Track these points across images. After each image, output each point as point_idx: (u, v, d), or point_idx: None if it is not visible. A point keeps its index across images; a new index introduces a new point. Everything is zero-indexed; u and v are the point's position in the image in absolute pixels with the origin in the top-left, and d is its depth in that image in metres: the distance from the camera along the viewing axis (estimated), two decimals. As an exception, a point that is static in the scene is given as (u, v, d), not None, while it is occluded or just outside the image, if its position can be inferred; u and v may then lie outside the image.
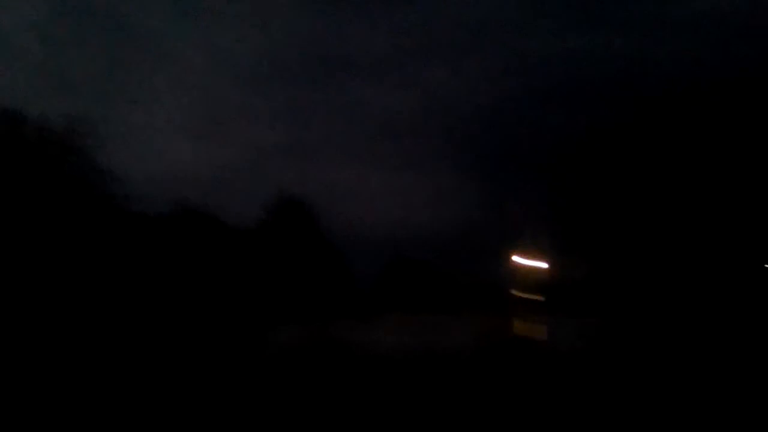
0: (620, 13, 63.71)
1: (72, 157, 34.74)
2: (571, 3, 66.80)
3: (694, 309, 28.42)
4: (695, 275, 30.16)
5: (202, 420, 17.00)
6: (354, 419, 16.86)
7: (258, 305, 33.08)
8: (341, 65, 73.37)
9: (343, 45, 76.62)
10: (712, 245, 30.69)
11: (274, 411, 18.50)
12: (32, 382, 21.07)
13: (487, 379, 22.51)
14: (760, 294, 28.78)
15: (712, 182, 31.57)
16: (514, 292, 31.03)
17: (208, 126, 70.09)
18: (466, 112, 64.68)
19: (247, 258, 37.32)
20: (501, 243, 33.67)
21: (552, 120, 55.88)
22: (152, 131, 65.02)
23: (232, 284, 34.65)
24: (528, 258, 30.75)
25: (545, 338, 27.12)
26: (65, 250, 31.43)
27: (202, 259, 35.59)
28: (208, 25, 76.67)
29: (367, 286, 42.30)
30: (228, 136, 70.13)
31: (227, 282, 34.67)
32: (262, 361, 27.15)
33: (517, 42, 68.34)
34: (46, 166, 34.06)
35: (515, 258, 31.51)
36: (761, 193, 30.67)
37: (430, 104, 68.02)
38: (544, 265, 30.58)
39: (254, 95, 72.98)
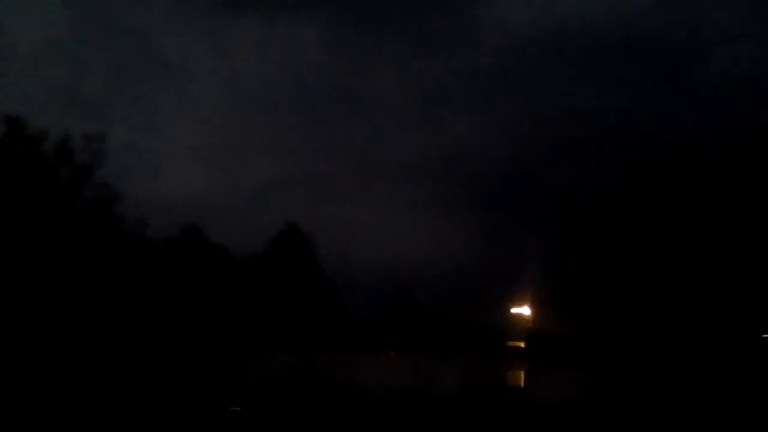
0: (635, 73, 64.23)
1: (87, 178, 35.13)
2: (589, 61, 67.48)
3: (682, 371, 28.36)
4: (686, 339, 30.11)
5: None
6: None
7: (250, 334, 33.18)
8: (359, 103, 73.98)
9: (362, 83, 77.39)
10: (706, 310, 30.64)
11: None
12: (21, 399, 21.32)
13: (468, 426, 22.59)
14: (752, 363, 28.73)
15: (709, 248, 31.62)
16: (509, 342, 31.11)
17: (221, 154, 70.53)
18: (478, 159, 65.03)
19: (245, 286, 37.50)
20: (500, 291, 33.86)
21: (560, 174, 56.33)
22: (165, 155, 65.63)
23: (227, 311, 34.78)
24: (524, 307, 30.87)
25: (522, 385, 27.09)
26: (71, 268, 31.70)
27: (201, 285, 35.78)
28: (228, 53, 77.49)
29: (362, 322, 42.36)
30: (240, 165, 70.57)
31: (223, 309, 34.82)
32: (245, 389, 27.29)
33: (534, 96, 68.92)
34: (61, 184, 34.50)
35: (514, 309, 31.65)
36: (758, 260, 30.70)
37: (443, 149, 68.39)
38: (528, 311, 30.68)
39: (269, 126, 73.48)
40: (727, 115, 48.63)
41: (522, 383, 27.62)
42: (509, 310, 31.88)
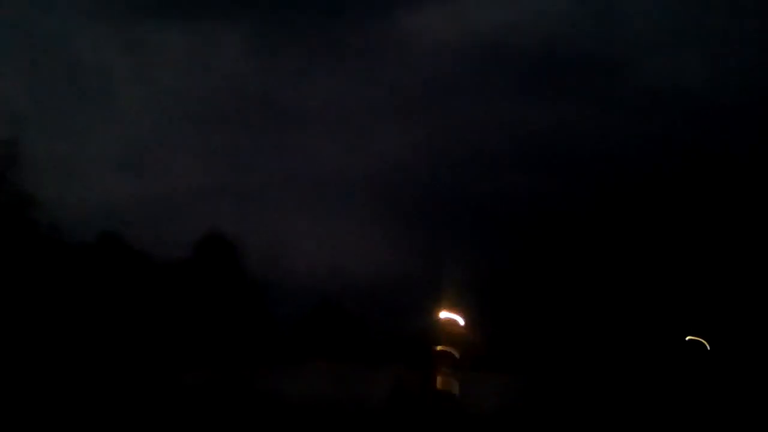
0: (566, 85, 65.28)
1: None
2: (540, 73, 68.34)
3: (610, 374, 28.66)
4: (613, 341, 30.50)
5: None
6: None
7: (173, 343, 32.26)
8: (291, 115, 73.22)
9: (289, 93, 76.69)
10: (632, 312, 31.12)
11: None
12: None
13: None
14: (674, 364, 29.24)
15: (632, 248, 32.16)
16: (437, 346, 30.93)
17: (142, 160, 68.96)
18: (412, 170, 65.03)
19: (166, 293, 36.51)
20: (428, 298, 33.69)
21: (490, 184, 56.77)
22: (84, 161, 63.68)
23: (148, 320, 33.76)
24: (451, 312, 30.73)
25: (457, 393, 26.96)
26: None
27: (121, 292, 34.70)
28: (151, 60, 76.01)
29: (288, 330, 41.72)
30: (162, 171, 69.08)
31: (144, 317, 33.79)
32: (171, 402, 26.45)
33: (459, 108, 69.30)
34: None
35: (442, 313, 31.48)
36: (678, 261, 31.34)
37: (376, 160, 68.24)
38: (461, 319, 30.61)
39: (194, 134, 72.21)
40: (660, 126, 49.76)
41: (450, 388, 27.42)
42: (437, 316, 31.70)
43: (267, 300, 41.56)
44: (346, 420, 25.21)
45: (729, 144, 35.95)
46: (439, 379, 28.84)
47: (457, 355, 29.44)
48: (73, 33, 71.72)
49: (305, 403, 27.28)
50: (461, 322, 30.76)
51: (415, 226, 55.61)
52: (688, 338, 30.22)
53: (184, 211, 57.56)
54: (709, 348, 29.45)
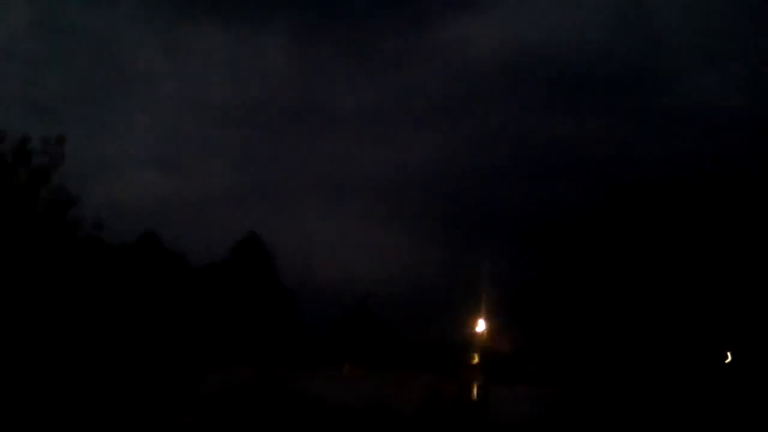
0: (605, 99, 65.29)
1: (44, 181, 34.62)
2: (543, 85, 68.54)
3: (636, 388, 28.65)
4: (639, 355, 30.44)
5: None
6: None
7: (206, 344, 32.75)
8: (326, 118, 74.03)
9: (331, 99, 77.48)
10: (661, 325, 31.04)
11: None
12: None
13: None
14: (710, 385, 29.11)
15: (665, 269, 32.06)
16: (468, 358, 31.17)
17: (181, 161, 70.07)
18: (443, 178, 65.33)
19: (202, 295, 37.05)
20: (459, 308, 33.90)
21: (517, 195, 57.01)
22: (125, 161, 64.91)
23: (183, 320, 34.29)
24: (485, 323, 30.97)
25: (481, 398, 27.12)
26: (26, 271, 31.05)
27: (158, 292, 35.25)
28: (191, 62, 77.19)
29: (320, 335, 42.10)
30: (200, 173, 70.14)
31: (179, 317, 34.33)
32: (199, 400, 26.88)
33: (501, 117, 69.62)
34: (19, 186, 33.91)
35: (476, 324, 31.72)
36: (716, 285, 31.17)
37: (408, 167, 68.60)
38: (483, 327, 30.81)
39: (233, 136, 73.26)
40: (682, 143, 49.72)
41: (483, 399, 27.64)
42: (468, 327, 31.93)
43: (300, 303, 42.05)
44: (379, 426, 25.49)
45: (754, 161, 35.74)
46: (467, 390, 29.03)
47: (489, 366, 29.66)
48: (118, 36, 73.44)
49: (338, 407, 27.57)
50: (494, 333, 30.98)
51: (452, 235, 55.98)
52: (727, 360, 30.21)
53: (220, 212, 58.44)
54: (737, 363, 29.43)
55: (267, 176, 68.66)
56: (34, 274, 30.70)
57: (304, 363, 34.35)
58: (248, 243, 42.04)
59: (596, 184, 43.45)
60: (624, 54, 68.86)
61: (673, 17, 67.53)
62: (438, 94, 72.26)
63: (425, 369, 32.17)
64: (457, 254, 51.65)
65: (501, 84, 72.31)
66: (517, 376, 30.87)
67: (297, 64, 76.96)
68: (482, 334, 31.57)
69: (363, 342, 39.41)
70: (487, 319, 31.61)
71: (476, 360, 30.85)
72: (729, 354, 30.01)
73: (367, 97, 75.50)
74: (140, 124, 70.32)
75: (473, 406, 27.16)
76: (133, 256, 37.38)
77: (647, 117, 57.98)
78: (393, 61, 75.63)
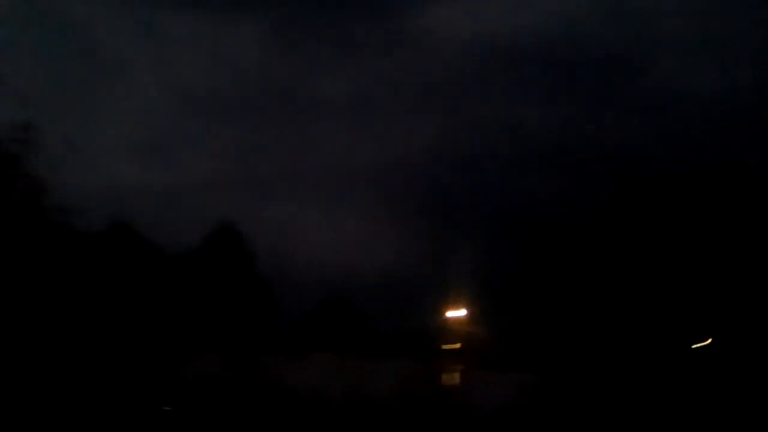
0: (603, 88, 65.19)
1: (12, 168, 33.93)
2: (528, 71, 68.25)
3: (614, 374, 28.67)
4: (617, 343, 30.47)
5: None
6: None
7: (180, 333, 32.36)
8: (298, 105, 73.42)
9: (302, 86, 76.86)
10: (637, 315, 31.06)
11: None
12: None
13: (406, 428, 22.34)
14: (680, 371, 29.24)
15: (641, 253, 32.08)
16: (444, 344, 31.01)
17: (156, 150, 69.25)
18: (419, 166, 65.05)
19: (176, 283, 36.60)
20: (435, 296, 33.75)
21: (499, 182, 56.86)
22: (97, 147, 63.85)
23: (156, 308, 33.84)
24: (458, 310, 30.82)
25: (458, 384, 27.02)
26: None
27: (130, 280, 34.76)
28: (168, 51, 76.20)
29: (295, 323, 41.86)
30: (174, 161, 69.39)
31: (152, 305, 33.87)
32: (175, 389, 26.58)
33: (488, 103, 69.29)
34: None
35: (449, 311, 31.56)
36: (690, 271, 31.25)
37: (385, 155, 68.28)
38: (463, 312, 30.67)
39: (207, 124, 72.37)
40: (674, 126, 49.84)
41: (457, 385, 27.52)
42: (444, 314, 31.76)
43: (275, 292, 41.70)
44: (352, 413, 25.30)
45: (743, 146, 35.86)
46: (444, 376, 28.91)
47: (463, 352, 29.52)
48: (92, 20, 72.14)
49: (311, 395, 27.39)
50: (468, 320, 30.83)
51: (425, 223, 55.77)
52: (694, 346, 30.27)
53: (194, 200, 57.81)
54: (713, 349, 29.52)
55: (243, 167, 68.05)
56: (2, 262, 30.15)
57: (280, 351, 34.11)
58: (222, 232, 41.58)
59: (581, 170, 43.24)
60: (613, 38, 68.80)
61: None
62: (423, 80, 71.71)
63: (402, 356, 32.02)
64: (437, 241, 51.46)
65: (487, 69, 71.88)
66: (496, 363, 30.75)
67: (278, 52, 76.19)
68: (460, 320, 31.42)
69: (338, 330, 39.21)
70: (466, 306, 31.48)
71: (454, 347, 30.70)
72: (709, 339, 30.09)
73: (350, 84, 74.98)
74: (115, 111, 69.24)
75: (450, 393, 27.04)
76: (105, 244, 36.81)
77: (635, 103, 57.94)
78: (376, 48, 75.07)
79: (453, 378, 28.12)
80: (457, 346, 29.91)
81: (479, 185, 57.86)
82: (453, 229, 51.26)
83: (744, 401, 25.94)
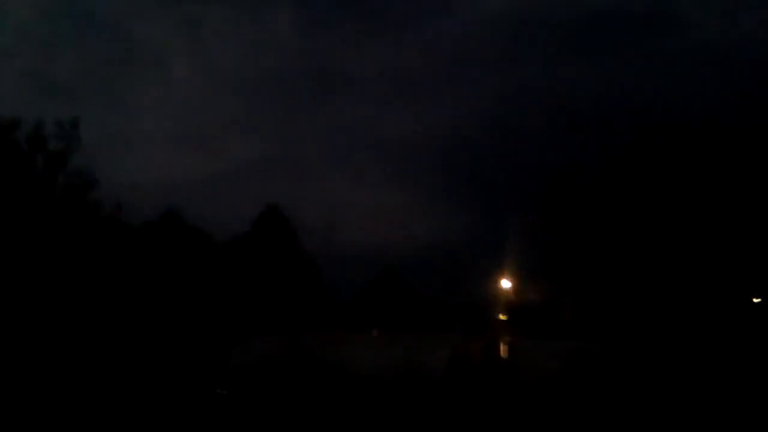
0: (613, 44, 64.13)
1: (62, 165, 34.70)
2: (563, 33, 67.27)
3: (669, 339, 28.35)
4: (672, 306, 30.09)
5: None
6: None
7: (233, 317, 32.90)
8: (339, 84, 73.70)
9: (342, 65, 77.03)
10: (695, 275, 30.63)
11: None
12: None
13: (460, 401, 22.39)
14: (743, 325, 28.72)
15: (696, 215, 31.55)
16: (496, 315, 30.98)
17: (198, 137, 70.20)
18: (460, 138, 64.84)
19: (227, 269, 37.20)
20: (484, 266, 33.73)
21: (539, 149, 56.29)
22: (142, 138, 65.09)
23: (209, 295, 34.48)
24: (509, 280, 30.76)
25: (508, 355, 26.90)
26: (49, 255, 31.25)
27: (184, 269, 35.47)
28: (206, 39, 76.96)
29: (347, 302, 42.20)
30: (219, 147, 70.27)
31: (205, 292, 34.51)
32: (230, 372, 26.96)
33: (514, 72, 68.65)
34: (36, 173, 34.01)
35: (502, 282, 31.49)
36: (746, 228, 30.64)
37: (426, 128, 68.23)
38: (509, 284, 30.59)
39: (248, 109, 73.16)
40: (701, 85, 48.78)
41: (510, 356, 27.46)
42: (493, 285, 31.72)
43: (326, 271, 42.17)
44: (407, 389, 25.45)
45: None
46: (502, 348, 28.85)
47: (512, 323, 29.46)
48: (129, 14, 73.16)
49: (366, 373, 27.56)
50: (516, 290, 30.76)
51: (472, 194, 55.66)
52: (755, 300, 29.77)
53: (240, 185, 58.63)
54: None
55: (286, 146, 68.74)
56: (57, 259, 30.94)
57: (332, 330, 34.46)
58: (269, 215, 42.09)
59: (621, 132, 42.48)
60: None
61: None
62: (454, 52, 71.42)
63: (453, 330, 32.12)
64: (481, 213, 51.37)
65: (517, 38, 71.24)
66: (547, 330, 30.67)
67: (308, 33, 76.39)
68: (508, 290, 31.34)
69: (390, 307, 39.42)
70: (513, 276, 31.38)
71: (503, 317, 30.64)
72: (756, 298, 29.55)
73: (382, 59, 74.96)
74: (156, 103, 70.40)
75: (502, 364, 27.00)
76: (155, 235, 37.56)
77: (667, 60, 56.72)
78: (404, 21, 74.79)
79: (503, 349, 28.07)
80: (505, 317, 29.88)
81: (520, 152, 57.46)
82: (501, 199, 51.09)
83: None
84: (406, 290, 41.83)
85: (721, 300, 30.24)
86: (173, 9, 75.51)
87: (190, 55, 74.75)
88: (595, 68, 62.63)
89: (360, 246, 46.74)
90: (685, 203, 31.74)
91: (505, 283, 31.41)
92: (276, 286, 37.58)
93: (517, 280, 31.25)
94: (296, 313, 35.40)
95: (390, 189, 60.01)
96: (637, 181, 33.22)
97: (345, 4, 78.31)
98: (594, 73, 61.01)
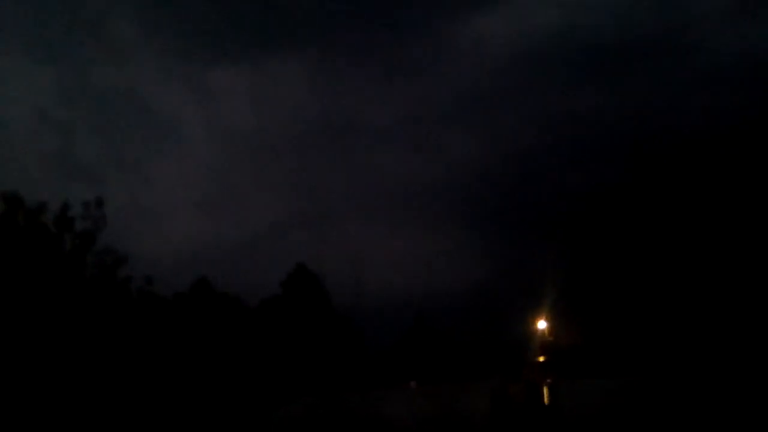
0: (628, 72, 64.24)
1: (90, 244, 35.17)
2: (579, 62, 67.59)
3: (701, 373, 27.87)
4: (704, 339, 29.63)
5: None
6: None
7: (270, 378, 32.93)
8: (352, 132, 74.35)
9: (353, 113, 77.78)
10: (722, 312, 30.19)
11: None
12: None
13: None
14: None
15: (725, 252, 31.14)
16: (531, 357, 30.71)
17: (219, 202, 70.84)
18: (478, 172, 64.96)
19: (260, 332, 37.32)
20: (515, 307, 33.53)
21: (563, 179, 56.14)
22: (168, 211, 65.76)
23: (246, 359, 34.56)
24: (545, 320, 30.52)
25: (548, 395, 26.59)
26: (83, 335, 31.52)
27: (217, 336, 35.61)
28: (216, 101, 78.04)
29: (382, 354, 42.09)
30: (242, 210, 70.80)
31: (242, 357, 34.60)
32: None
33: (529, 103, 68.94)
34: (64, 254, 34.46)
35: (537, 323, 31.27)
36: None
37: (443, 167, 68.47)
38: (545, 324, 30.34)
39: (267, 169, 73.79)
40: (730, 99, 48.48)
41: (552, 397, 27.17)
42: (528, 326, 31.49)
43: (357, 323, 42.06)
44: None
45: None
46: (544, 389, 28.55)
47: (550, 363, 29.16)
48: (145, 87, 74.58)
49: (408, 424, 27.40)
50: (555, 328, 30.50)
51: (500, 234, 55.52)
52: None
53: (267, 247, 58.85)
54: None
55: (309, 204, 69.03)
56: (91, 337, 31.17)
57: (370, 384, 34.30)
58: (298, 274, 42.23)
59: (642, 159, 42.26)
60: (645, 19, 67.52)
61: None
62: (465, 93, 71.89)
63: (490, 373, 31.81)
64: (507, 253, 51.16)
65: (525, 72, 71.62)
66: (583, 370, 30.33)
67: (321, 87, 77.32)
68: (543, 330, 31.08)
69: (424, 356, 39.25)
70: (548, 315, 31.14)
71: (541, 358, 30.34)
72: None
73: (399, 107, 75.59)
74: (175, 170, 71.23)
75: (545, 406, 26.70)
76: (187, 305, 37.81)
77: (679, 80, 56.65)
78: (414, 69, 75.53)
79: (543, 389, 27.79)
80: (543, 358, 29.58)
81: (546, 184, 57.36)
82: (530, 238, 50.90)
83: None
84: (438, 337, 41.65)
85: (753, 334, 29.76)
86: (182, 73, 76.79)
87: (204, 118, 75.90)
88: (610, 96, 62.74)
89: (390, 294, 46.65)
90: (717, 226, 31.43)
91: (541, 324, 31.15)
92: (310, 343, 37.57)
93: (553, 319, 31.00)
94: (333, 370, 35.32)
95: (415, 234, 60.02)
96: (666, 211, 32.96)
97: (359, 54, 79.15)
98: (608, 101, 61.10)
